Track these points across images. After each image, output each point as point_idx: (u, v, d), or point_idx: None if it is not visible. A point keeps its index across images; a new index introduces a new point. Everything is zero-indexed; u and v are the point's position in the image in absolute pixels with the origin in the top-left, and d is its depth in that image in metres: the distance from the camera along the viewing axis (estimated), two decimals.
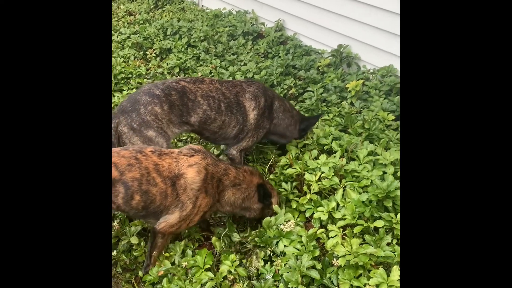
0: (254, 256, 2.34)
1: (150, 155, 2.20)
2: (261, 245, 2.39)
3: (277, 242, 2.35)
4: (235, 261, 2.25)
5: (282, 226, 2.39)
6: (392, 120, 3.33)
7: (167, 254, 2.36)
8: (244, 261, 2.34)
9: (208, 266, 2.20)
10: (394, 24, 3.63)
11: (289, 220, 2.46)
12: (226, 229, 2.49)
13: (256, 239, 2.40)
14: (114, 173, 2.08)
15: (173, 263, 2.34)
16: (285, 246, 2.34)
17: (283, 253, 2.33)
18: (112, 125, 2.59)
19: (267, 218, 2.48)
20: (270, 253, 2.36)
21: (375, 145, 3.04)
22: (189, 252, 2.37)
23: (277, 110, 3.07)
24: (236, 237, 2.47)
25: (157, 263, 2.33)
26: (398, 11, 3.53)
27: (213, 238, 2.41)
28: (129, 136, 2.58)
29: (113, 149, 2.19)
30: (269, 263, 2.32)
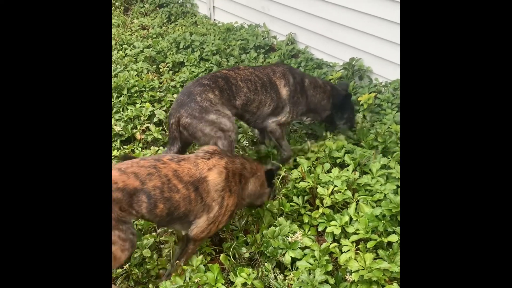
0: (264, 267, 2.33)
1: (168, 162, 2.24)
2: (269, 255, 2.38)
3: (284, 253, 2.34)
4: (250, 274, 2.23)
5: (289, 238, 2.39)
6: None
7: (185, 267, 2.35)
8: (255, 272, 2.32)
9: (221, 284, 2.18)
10: None
11: (295, 232, 2.45)
12: (234, 243, 2.47)
13: (262, 248, 2.40)
14: (136, 183, 2.10)
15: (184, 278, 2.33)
16: (296, 259, 2.33)
17: (291, 265, 2.32)
18: (172, 121, 2.82)
19: (272, 228, 2.49)
20: (278, 264, 2.35)
21: (388, 158, 3.01)
22: (201, 267, 2.36)
23: (308, 86, 3.30)
24: (244, 250, 2.46)
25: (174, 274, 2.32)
26: None
27: (222, 256, 2.40)
28: (195, 125, 2.77)
29: (132, 160, 2.22)
30: (281, 276, 2.30)
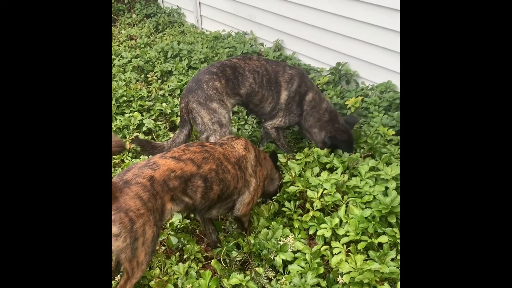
0: (256, 270, 2.33)
1: (215, 147, 2.37)
2: (261, 257, 2.39)
3: (275, 256, 2.35)
4: (245, 277, 2.24)
5: (280, 242, 2.41)
6: (392, 135, 3.34)
7: (165, 278, 2.34)
8: (248, 274, 2.33)
9: None
10: (390, 41, 3.68)
11: (287, 236, 2.47)
12: (224, 248, 2.48)
13: (254, 250, 2.41)
14: (193, 168, 2.14)
15: (175, 285, 2.32)
16: (288, 262, 2.34)
17: (283, 269, 2.32)
18: (182, 105, 3.05)
19: (265, 230, 2.53)
20: (271, 267, 2.36)
21: (377, 160, 3.04)
22: (193, 273, 2.36)
23: (307, 102, 3.24)
24: (235, 254, 2.46)
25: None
26: (394, 28, 3.59)
27: (213, 261, 2.40)
28: (198, 110, 2.99)
29: (179, 148, 2.25)
30: (274, 280, 2.30)
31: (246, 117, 4.02)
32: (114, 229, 1.77)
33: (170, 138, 3.54)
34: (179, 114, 3.21)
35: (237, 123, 3.94)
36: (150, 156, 2.29)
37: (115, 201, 1.81)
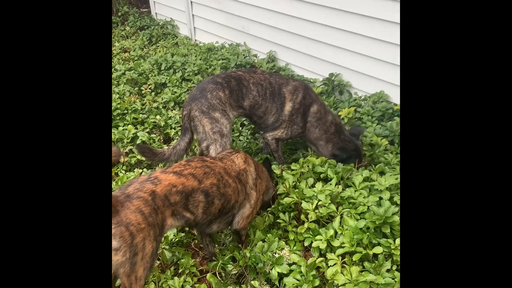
0: (252, 283, 2.33)
1: (215, 162, 2.39)
2: (257, 270, 2.39)
3: (271, 269, 2.34)
4: None
5: (276, 254, 2.41)
6: (385, 145, 3.37)
7: None
8: (244, 287, 2.32)
9: None
10: (382, 52, 3.73)
11: (283, 248, 2.47)
12: (220, 261, 2.47)
13: (250, 263, 2.40)
14: (194, 183, 2.14)
15: None
16: (283, 275, 2.33)
17: (278, 281, 2.32)
18: (185, 112, 3.06)
19: (260, 243, 2.53)
20: (267, 280, 2.35)
21: (370, 171, 3.05)
22: (188, 287, 2.34)
23: (312, 113, 3.23)
24: (231, 267, 2.46)
25: None
26: (386, 39, 3.63)
27: (208, 275, 2.39)
28: (200, 118, 3.01)
29: (180, 163, 2.25)
30: None
31: (240, 128, 4.04)
32: (114, 243, 1.76)
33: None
34: (181, 122, 3.22)
35: (232, 134, 3.94)
36: (149, 171, 2.29)
37: (116, 215, 1.80)
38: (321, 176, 3.04)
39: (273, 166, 3.07)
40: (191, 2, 6.21)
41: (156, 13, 7.36)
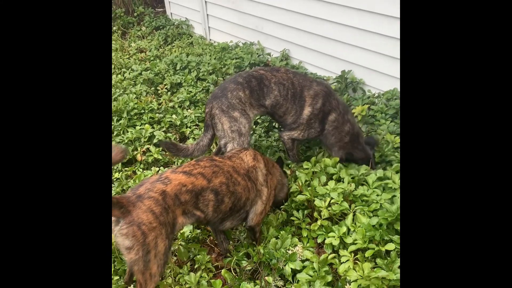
0: (266, 279, 2.38)
1: (224, 161, 2.43)
2: (271, 266, 2.44)
3: (284, 265, 2.39)
4: (255, 285, 2.29)
5: (289, 251, 2.45)
6: (398, 142, 3.38)
7: (178, 287, 2.40)
8: (258, 283, 2.37)
9: None
10: (395, 49, 3.73)
11: (296, 245, 2.51)
12: (234, 258, 2.53)
13: (264, 259, 2.46)
14: (204, 182, 2.20)
15: None
16: (296, 271, 2.38)
17: (292, 277, 2.37)
18: (207, 110, 3.16)
19: (274, 240, 2.57)
20: (281, 276, 2.40)
21: (386, 169, 3.07)
22: (204, 283, 2.41)
23: (330, 121, 3.25)
24: (245, 263, 2.51)
25: None
26: (398, 36, 3.63)
27: (223, 270, 2.46)
28: (220, 116, 3.08)
29: (190, 163, 2.32)
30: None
31: (254, 126, 4.09)
32: (127, 242, 1.84)
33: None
34: (204, 119, 3.31)
35: None
36: (165, 169, 2.35)
37: (128, 215, 1.88)
38: (334, 177, 3.06)
39: (285, 167, 3.11)
40: (205, 1, 6.28)
41: (171, 13, 7.46)
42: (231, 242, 2.78)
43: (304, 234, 2.69)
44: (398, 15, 3.56)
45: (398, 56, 3.73)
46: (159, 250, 1.96)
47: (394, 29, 3.66)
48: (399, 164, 3.06)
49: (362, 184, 2.91)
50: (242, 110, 3.10)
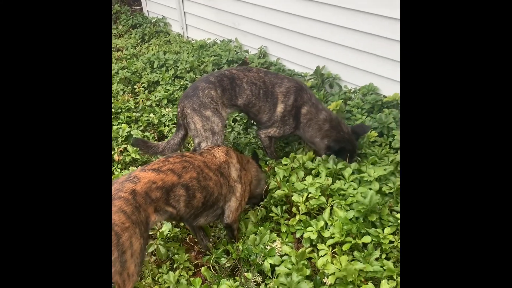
0: (245, 275, 2.39)
1: (195, 156, 2.42)
2: (250, 262, 2.45)
3: (263, 261, 2.41)
4: (234, 283, 2.29)
5: (268, 247, 2.47)
6: (375, 137, 3.43)
7: (157, 287, 2.40)
8: (238, 279, 2.38)
9: None
10: (371, 45, 3.78)
11: (274, 240, 2.53)
12: (213, 255, 2.53)
13: (243, 255, 2.46)
14: (174, 178, 2.18)
15: None
16: (275, 266, 2.39)
17: (271, 272, 2.38)
18: (179, 109, 3.16)
19: (252, 236, 2.58)
20: (260, 272, 2.42)
21: (359, 163, 3.12)
22: (183, 281, 2.41)
23: (303, 115, 3.26)
24: (224, 260, 2.52)
25: None
26: (374, 32, 3.68)
27: (203, 268, 2.46)
28: (192, 115, 3.08)
29: (160, 160, 2.30)
30: (263, 284, 2.36)
31: (233, 124, 4.09)
32: None
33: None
34: (176, 118, 3.30)
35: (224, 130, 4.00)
36: (130, 171, 2.33)
37: None
38: (313, 172, 3.08)
39: (262, 164, 3.13)
40: None
41: (148, 11, 7.37)
42: (210, 239, 2.78)
43: (283, 229, 2.71)
44: (373, 11, 3.60)
45: (374, 51, 3.78)
46: (135, 250, 1.94)
47: (368, 24, 3.71)
48: (374, 157, 3.11)
49: (339, 179, 2.94)
50: (214, 109, 3.10)
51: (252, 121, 3.94)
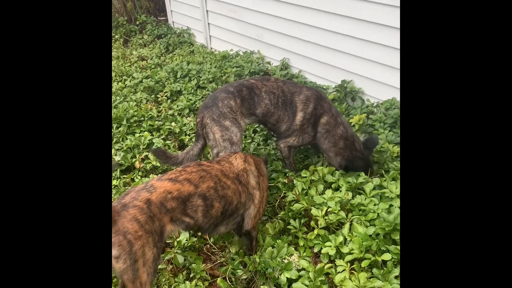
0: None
1: (212, 165, 2.41)
2: (267, 275, 2.42)
3: (280, 274, 2.38)
4: None
5: (285, 260, 2.44)
6: (397, 152, 3.37)
7: None
8: None
9: None
10: (394, 59, 3.74)
11: (292, 254, 2.50)
12: (230, 266, 2.52)
13: (259, 268, 2.44)
14: (190, 188, 2.18)
15: None
16: (292, 280, 2.36)
17: (287, 286, 2.35)
18: (198, 119, 3.18)
19: (269, 249, 2.55)
20: (277, 286, 2.39)
21: (382, 177, 3.07)
22: None
23: (322, 125, 3.25)
24: (241, 272, 2.50)
25: None
26: (397, 46, 3.65)
27: (219, 279, 2.44)
28: (211, 126, 3.10)
29: (177, 170, 2.30)
30: None
31: (253, 135, 4.09)
32: (114, 252, 1.83)
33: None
34: (195, 128, 3.31)
35: (244, 141, 4.01)
36: (147, 179, 2.33)
37: (114, 224, 1.88)
38: (332, 186, 3.06)
39: (281, 175, 3.11)
40: (207, 11, 6.32)
41: (173, 21, 7.51)
42: (227, 250, 2.77)
43: (301, 243, 2.68)
44: (398, 25, 3.58)
45: (397, 66, 3.74)
46: (147, 259, 1.95)
47: (393, 39, 3.68)
48: (395, 172, 3.06)
49: (360, 193, 2.90)
50: (233, 119, 3.11)
51: (272, 133, 3.95)
